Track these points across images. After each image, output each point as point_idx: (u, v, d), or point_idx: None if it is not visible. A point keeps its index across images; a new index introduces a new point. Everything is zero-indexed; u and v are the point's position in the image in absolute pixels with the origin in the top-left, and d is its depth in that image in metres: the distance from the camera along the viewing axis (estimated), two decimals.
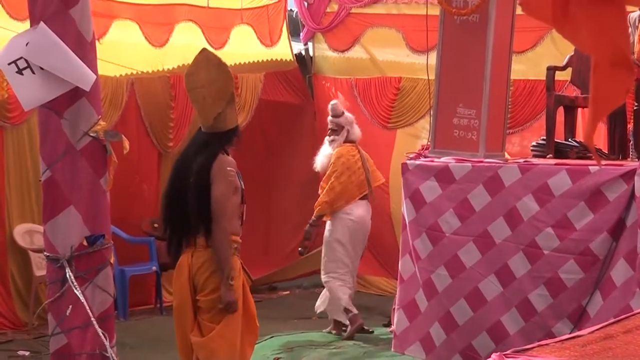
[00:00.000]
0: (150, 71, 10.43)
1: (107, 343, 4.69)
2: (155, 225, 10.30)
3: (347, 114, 9.32)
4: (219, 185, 5.50)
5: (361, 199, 9.01)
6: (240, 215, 5.71)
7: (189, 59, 10.74)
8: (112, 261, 4.93)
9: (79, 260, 4.72)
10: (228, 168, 5.55)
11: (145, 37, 10.31)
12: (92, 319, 4.65)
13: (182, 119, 10.59)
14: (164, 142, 10.47)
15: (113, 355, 4.70)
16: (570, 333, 5.59)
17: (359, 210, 8.98)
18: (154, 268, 9.99)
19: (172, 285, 10.21)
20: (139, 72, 10.30)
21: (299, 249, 9.31)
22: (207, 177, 5.52)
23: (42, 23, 4.67)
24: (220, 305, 5.48)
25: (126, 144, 4.96)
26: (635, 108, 6.97)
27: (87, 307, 4.63)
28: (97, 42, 5.13)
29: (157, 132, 10.42)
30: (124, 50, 10.13)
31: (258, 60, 11.66)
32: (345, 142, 9.16)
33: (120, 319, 9.23)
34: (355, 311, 8.84)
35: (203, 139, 5.68)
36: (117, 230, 9.24)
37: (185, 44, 10.69)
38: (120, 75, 10.03)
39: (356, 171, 9.04)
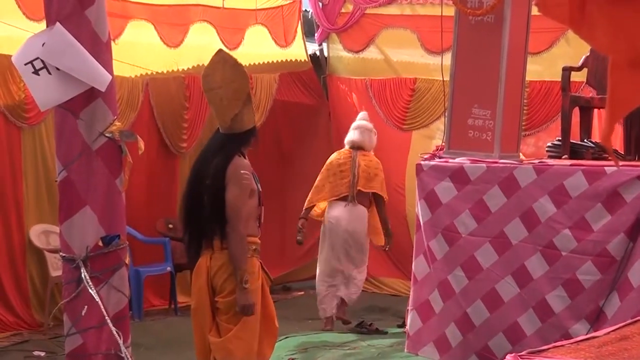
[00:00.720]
0: (165, 71, 10.44)
1: (121, 343, 4.70)
2: (170, 225, 10.31)
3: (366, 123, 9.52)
4: (233, 188, 5.50)
5: (339, 199, 9.18)
6: (258, 217, 5.71)
7: (204, 60, 10.78)
8: (127, 262, 4.93)
9: (95, 261, 4.73)
10: (242, 171, 5.54)
11: (161, 38, 10.32)
12: (107, 319, 4.65)
13: (196, 120, 10.59)
14: (177, 143, 10.47)
15: (128, 355, 4.71)
16: (587, 334, 5.58)
17: (334, 211, 9.26)
18: (169, 269, 10.00)
19: (187, 286, 10.31)
20: (154, 73, 10.32)
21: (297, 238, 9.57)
22: (222, 180, 5.52)
23: (58, 24, 4.68)
24: (236, 309, 5.48)
25: (141, 144, 4.96)
26: None
27: (103, 308, 4.64)
28: (112, 42, 5.14)
29: (171, 133, 10.43)
30: (139, 51, 10.14)
31: (273, 61, 11.65)
32: (351, 147, 9.31)
33: (135, 319, 9.23)
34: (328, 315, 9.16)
35: (220, 140, 5.68)
36: (132, 231, 9.25)
37: (200, 45, 10.69)
38: (136, 75, 10.05)
39: (337, 174, 9.28)
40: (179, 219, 6.02)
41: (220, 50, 5.80)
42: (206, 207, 5.58)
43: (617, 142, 7.93)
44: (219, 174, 5.54)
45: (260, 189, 5.70)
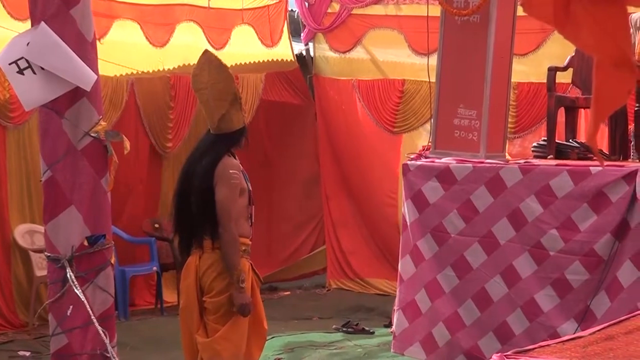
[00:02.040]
0: (150, 71, 10.43)
1: (107, 343, 4.69)
2: (156, 225, 10.30)
3: None
4: (223, 188, 5.50)
5: None
6: (249, 217, 5.71)
7: (190, 59, 10.88)
8: (112, 261, 4.92)
9: (80, 261, 4.72)
10: (231, 171, 5.55)
11: (146, 37, 10.30)
12: (93, 318, 4.64)
13: (181, 120, 10.59)
14: (163, 143, 10.46)
15: (114, 355, 4.70)
16: (574, 333, 5.60)
17: None
18: (155, 268, 9.99)
19: (173, 285, 10.30)
20: (139, 72, 10.30)
21: None
22: (210, 180, 5.53)
23: (42, 23, 4.66)
24: (234, 309, 5.48)
25: (127, 144, 4.95)
26: (636, 109, 6.97)
27: (88, 307, 4.63)
28: (98, 42, 5.13)
29: (156, 133, 10.41)
30: (125, 51, 10.12)
31: (259, 61, 11.65)
32: None
33: (120, 319, 9.22)
34: None
35: (209, 140, 5.70)
36: (118, 231, 9.24)
37: (186, 44, 10.69)
38: (121, 75, 10.03)
39: None
40: (169, 218, 6.00)
41: (206, 51, 5.80)
42: (195, 207, 5.58)
43: (603, 142, 7.96)
44: (207, 174, 5.54)
45: (251, 188, 5.70)
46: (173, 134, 10.51)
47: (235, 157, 5.69)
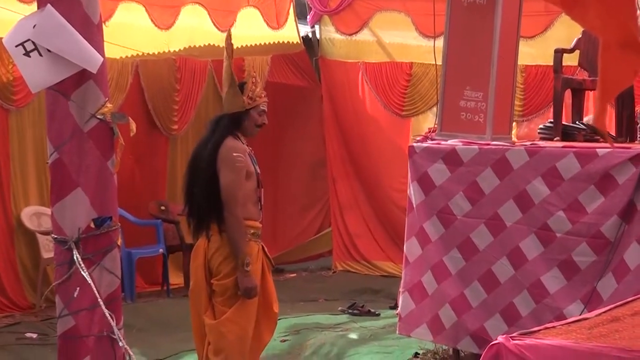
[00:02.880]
0: (156, 53, 10.42)
1: (114, 325, 4.70)
2: (163, 208, 10.32)
3: None
4: (226, 172, 5.51)
5: None
6: (257, 200, 5.71)
7: (196, 42, 10.88)
8: (119, 243, 4.93)
9: (87, 242, 4.72)
10: (234, 154, 5.54)
11: (152, 20, 10.29)
12: (100, 300, 4.65)
13: (187, 102, 10.60)
14: (168, 125, 10.47)
15: (120, 337, 4.71)
16: (580, 315, 5.60)
17: None
18: (161, 250, 10.01)
19: (179, 267, 10.32)
20: (145, 54, 10.29)
21: None
22: (214, 164, 5.54)
23: (49, 5, 4.65)
24: (239, 292, 5.50)
25: (133, 126, 4.95)
26: None
27: (95, 289, 4.64)
28: (103, 24, 5.12)
29: (161, 115, 10.42)
30: (130, 33, 10.12)
31: (265, 43, 11.64)
32: None
33: (127, 301, 9.26)
34: None
35: (214, 121, 5.75)
36: (124, 213, 9.26)
37: (191, 27, 10.69)
38: (127, 56, 10.03)
39: None
40: (181, 201, 6.03)
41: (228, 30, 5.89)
42: (201, 191, 5.58)
43: (610, 123, 7.94)
44: (211, 158, 5.57)
45: (259, 171, 5.69)
46: (179, 116, 10.52)
47: (241, 139, 5.68)
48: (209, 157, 5.57)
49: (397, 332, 7.16)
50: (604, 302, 5.86)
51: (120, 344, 4.67)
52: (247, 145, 5.75)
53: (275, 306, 5.78)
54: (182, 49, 10.65)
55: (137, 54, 10.18)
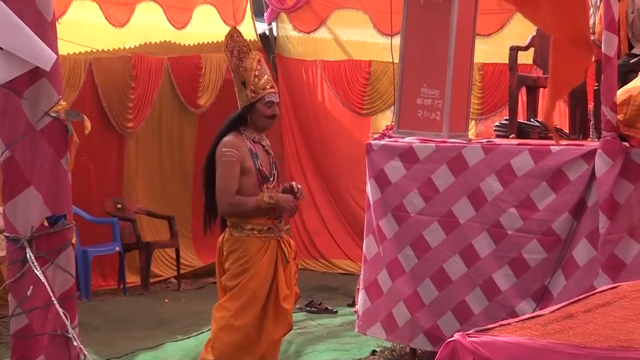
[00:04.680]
0: (110, 49, 10.35)
1: (68, 323, 4.66)
2: (119, 206, 10.26)
3: None
4: (217, 168, 5.57)
5: None
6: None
7: (151, 39, 10.81)
8: (73, 242, 4.89)
9: (40, 241, 4.69)
10: (224, 149, 5.55)
11: (106, 17, 10.22)
12: (54, 299, 4.61)
13: (143, 100, 10.54)
14: (123, 123, 10.41)
15: (74, 335, 4.67)
16: (532, 312, 5.63)
17: None
18: (118, 248, 9.95)
19: (136, 266, 10.27)
20: (99, 52, 10.22)
21: None
22: (212, 160, 5.63)
23: (1, 2, 4.60)
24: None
25: (88, 124, 4.91)
26: (595, 88, 7.00)
27: (48, 288, 4.60)
28: (56, 22, 5.08)
29: (116, 113, 10.36)
30: (84, 30, 10.04)
31: (221, 40, 11.50)
32: None
33: (82, 299, 9.20)
34: None
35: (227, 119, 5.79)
36: (80, 211, 9.19)
37: (146, 24, 10.63)
38: (80, 52, 9.95)
39: None
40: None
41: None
42: (205, 186, 5.75)
43: (563, 121, 8.01)
44: (210, 154, 5.66)
45: (261, 167, 5.63)
46: (134, 114, 10.46)
47: (247, 136, 5.63)
48: (208, 154, 5.66)
49: (356, 329, 7.18)
50: (554, 299, 5.91)
51: (75, 342, 4.64)
52: (259, 142, 5.70)
53: (285, 302, 5.66)
54: (137, 46, 10.58)
55: (90, 51, 10.10)
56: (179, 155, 11.29)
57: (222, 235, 5.73)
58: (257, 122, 5.69)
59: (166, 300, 9.76)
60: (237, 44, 5.76)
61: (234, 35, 5.80)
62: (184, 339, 8.09)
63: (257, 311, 5.57)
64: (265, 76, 5.71)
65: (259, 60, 5.73)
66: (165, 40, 10.90)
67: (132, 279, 10.21)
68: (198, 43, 11.16)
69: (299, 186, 5.77)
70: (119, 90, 10.33)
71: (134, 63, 10.41)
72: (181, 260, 10.57)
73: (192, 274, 10.94)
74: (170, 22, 10.86)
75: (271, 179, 5.70)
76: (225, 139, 5.61)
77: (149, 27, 10.69)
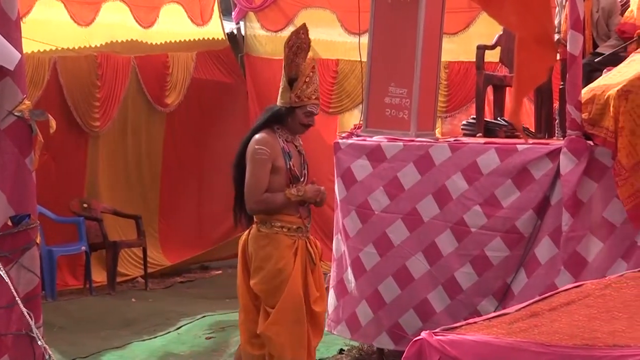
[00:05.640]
0: (75, 48, 10.29)
1: (32, 323, 4.63)
2: (85, 205, 10.21)
3: None
4: (248, 164, 5.51)
5: None
6: None
7: (117, 37, 10.76)
8: (38, 241, 4.86)
9: (4, 241, 4.66)
10: (256, 146, 5.49)
11: (71, 16, 10.17)
12: (17, 299, 4.57)
13: (109, 99, 10.50)
14: (89, 122, 10.35)
15: (39, 335, 4.63)
16: (495, 311, 5.65)
17: None
18: (83, 248, 9.90)
19: (102, 265, 10.21)
20: (63, 50, 10.16)
21: None
22: (242, 157, 5.56)
23: None
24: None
25: (53, 123, 4.88)
26: (561, 87, 7.05)
27: (12, 288, 4.56)
28: (20, 21, 5.04)
29: (82, 112, 10.30)
30: (48, 29, 9.99)
31: (189, 39, 11.58)
32: None
33: (48, 299, 9.15)
34: None
35: (263, 112, 5.79)
36: (45, 211, 9.13)
37: (112, 23, 10.60)
38: (44, 51, 9.89)
39: None
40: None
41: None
42: (235, 182, 5.66)
43: (529, 119, 8.05)
44: (240, 150, 5.60)
45: (293, 167, 5.59)
46: (100, 112, 10.41)
47: (280, 135, 5.59)
48: (240, 150, 5.59)
49: (325, 328, 7.17)
50: (515, 297, 5.94)
51: (39, 342, 4.60)
52: (292, 141, 5.68)
53: (316, 305, 5.59)
54: (103, 44, 10.53)
55: (54, 49, 10.04)
56: (146, 154, 11.25)
57: (245, 234, 5.64)
58: (291, 126, 5.65)
59: (133, 299, 9.71)
60: (300, 40, 5.64)
61: (300, 32, 5.67)
62: (150, 339, 8.05)
63: (302, 310, 5.50)
64: (314, 86, 5.64)
65: (313, 67, 5.65)
66: (131, 39, 10.87)
67: (99, 278, 10.16)
68: (165, 42, 11.13)
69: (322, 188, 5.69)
70: (84, 89, 10.27)
71: (99, 62, 10.36)
72: (149, 260, 10.53)
73: (159, 274, 10.90)
74: (136, 20, 10.83)
75: (302, 179, 5.65)
76: (258, 136, 5.54)
77: (115, 25, 10.65)
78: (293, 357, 5.49)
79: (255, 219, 5.60)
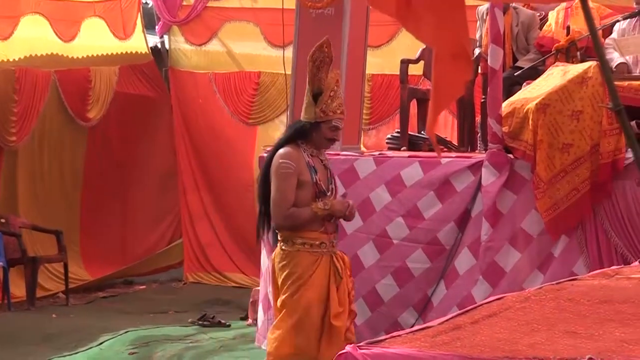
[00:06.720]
0: None
1: None
2: (2, 220, 10.04)
3: None
4: (273, 179, 5.39)
5: None
6: None
7: (37, 51, 10.62)
8: None
9: None
10: (280, 160, 5.37)
11: None
12: None
13: (27, 114, 10.35)
14: (5, 137, 10.19)
15: None
16: (415, 322, 5.69)
17: None
18: (1, 263, 9.71)
19: (21, 281, 10.03)
20: None
21: None
22: (267, 172, 5.44)
23: None
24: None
25: None
26: (482, 100, 7.13)
27: None
28: None
29: None
30: None
31: (112, 53, 11.48)
32: None
33: None
34: None
35: (288, 127, 5.71)
36: None
37: (32, 37, 10.48)
38: None
39: None
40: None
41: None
42: (260, 198, 5.54)
43: (452, 133, 8.13)
44: (265, 165, 5.48)
45: (319, 181, 5.44)
46: (17, 127, 10.25)
47: (304, 150, 5.44)
48: (265, 165, 5.48)
49: (255, 342, 7.14)
50: (434, 309, 5.98)
51: None
52: (317, 156, 5.51)
53: (336, 319, 5.40)
54: (22, 58, 10.38)
55: None
56: (68, 169, 11.10)
57: (275, 251, 5.55)
58: (316, 141, 5.49)
59: (54, 315, 9.56)
60: (323, 54, 5.50)
61: (323, 45, 5.50)
62: (71, 355, 7.92)
63: (314, 329, 5.38)
64: (339, 100, 5.50)
65: (337, 81, 5.53)
66: (52, 53, 10.73)
67: (18, 293, 9.98)
68: (87, 56, 11.02)
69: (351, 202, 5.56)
70: (0, 104, 10.10)
71: (17, 76, 10.21)
72: (70, 275, 10.39)
73: (81, 289, 10.76)
74: (57, 34, 10.71)
75: (329, 194, 5.50)
76: (283, 150, 5.42)
77: (34, 40, 10.52)
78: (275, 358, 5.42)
79: (279, 237, 5.49)
